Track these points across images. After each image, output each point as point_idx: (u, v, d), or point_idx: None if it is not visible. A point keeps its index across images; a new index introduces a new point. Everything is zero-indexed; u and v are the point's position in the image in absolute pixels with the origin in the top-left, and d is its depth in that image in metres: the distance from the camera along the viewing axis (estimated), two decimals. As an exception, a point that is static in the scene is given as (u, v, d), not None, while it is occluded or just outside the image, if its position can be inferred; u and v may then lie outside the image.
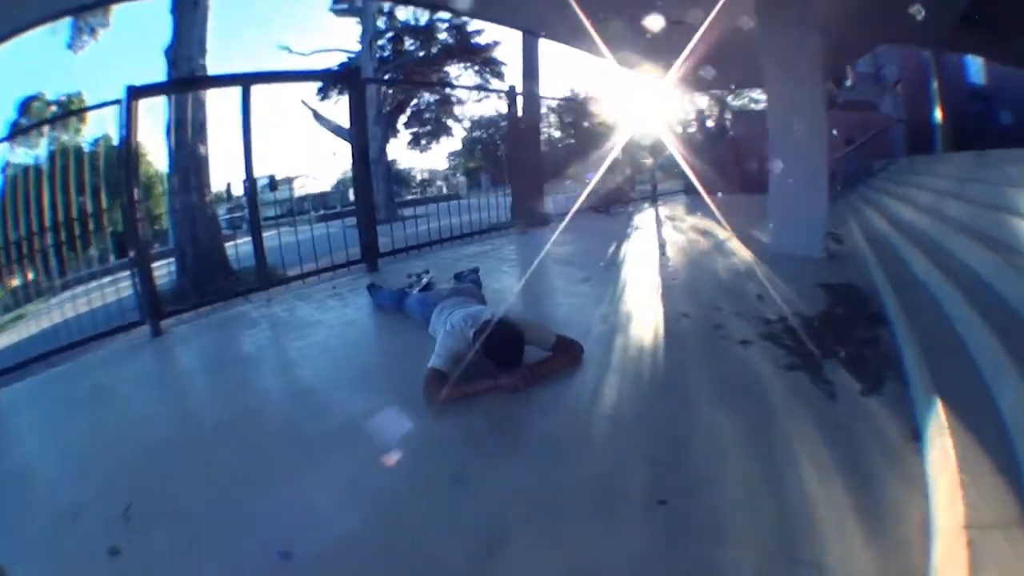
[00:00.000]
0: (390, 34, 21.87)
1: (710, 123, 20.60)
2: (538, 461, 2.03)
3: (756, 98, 26.60)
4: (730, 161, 14.64)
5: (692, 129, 15.72)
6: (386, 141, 20.77)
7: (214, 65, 9.52)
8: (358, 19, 20.35)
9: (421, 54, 21.78)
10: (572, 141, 20.73)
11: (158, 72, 9.29)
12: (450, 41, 21.88)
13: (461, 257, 6.36)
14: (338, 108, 21.10)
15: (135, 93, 4.49)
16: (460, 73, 22.30)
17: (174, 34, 9.06)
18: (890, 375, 2.35)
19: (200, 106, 8.91)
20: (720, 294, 3.96)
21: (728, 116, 22.77)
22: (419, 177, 21.98)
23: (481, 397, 2.51)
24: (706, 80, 13.24)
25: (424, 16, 21.52)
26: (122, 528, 1.86)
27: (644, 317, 3.61)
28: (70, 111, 17.90)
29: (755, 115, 21.92)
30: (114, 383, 3.46)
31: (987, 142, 7.95)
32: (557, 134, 22.28)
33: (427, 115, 24.00)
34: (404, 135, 24.16)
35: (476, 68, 22.01)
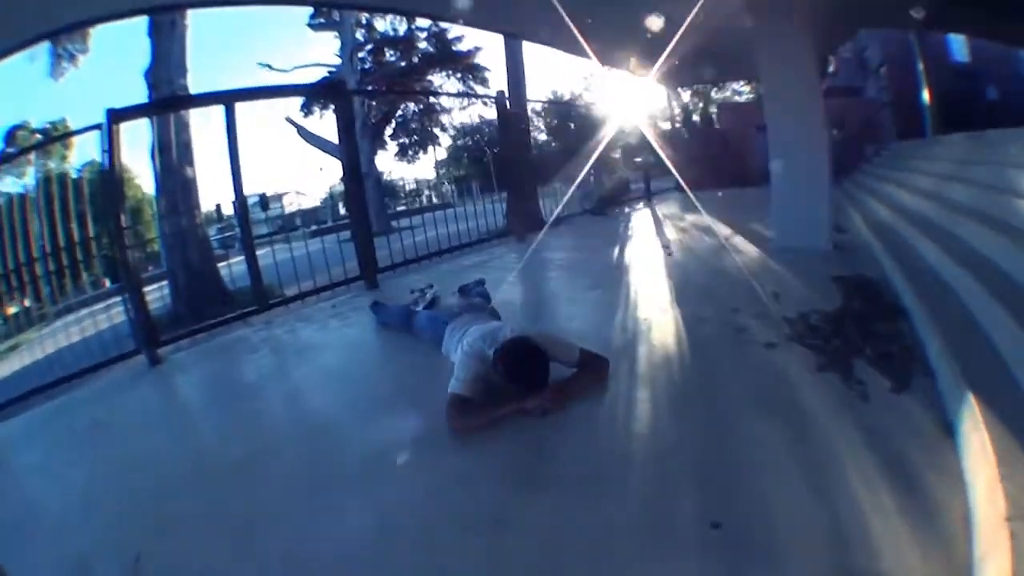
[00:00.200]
0: (370, 46, 21.81)
1: (696, 117, 20.60)
2: (579, 490, 1.89)
3: (739, 90, 26.79)
4: (720, 155, 14.61)
5: (679, 124, 15.60)
6: (374, 153, 20.66)
7: (196, 85, 9.35)
8: (336, 33, 20.26)
9: (403, 64, 21.70)
10: (561, 143, 20.67)
11: (141, 96, 9.11)
12: (431, 50, 21.83)
13: (461, 268, 6.24)
14: (323, 123, 21.00)
15: (116, 116, 4.34)
16: (443, 81, 22.29)
17: (153, 56, 8.89)
18: (916, 369, 2.30)
19: (184, 127, 8.75)
20: (736, 294, 3.85)
21: (713, 110, 22.85)
22: (408, 188, 21.86)
23: (507, 422, 2.35)
24: (691, 75, 13.25)
25: (403, 26, 21.46)
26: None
27: (663, 323, 3.48)
28: (53, 137, 17.69)
29: (740, 106, 22.04)
30: (114, 418, 3.31)
31: (977, 120, 7.98)
32: (545, 137, 22.22)
33: (413, 125, 23.88)
34: (391, 147, 24.05)
35: (459, 75, 21.95)
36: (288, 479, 2.24)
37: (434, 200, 19.32)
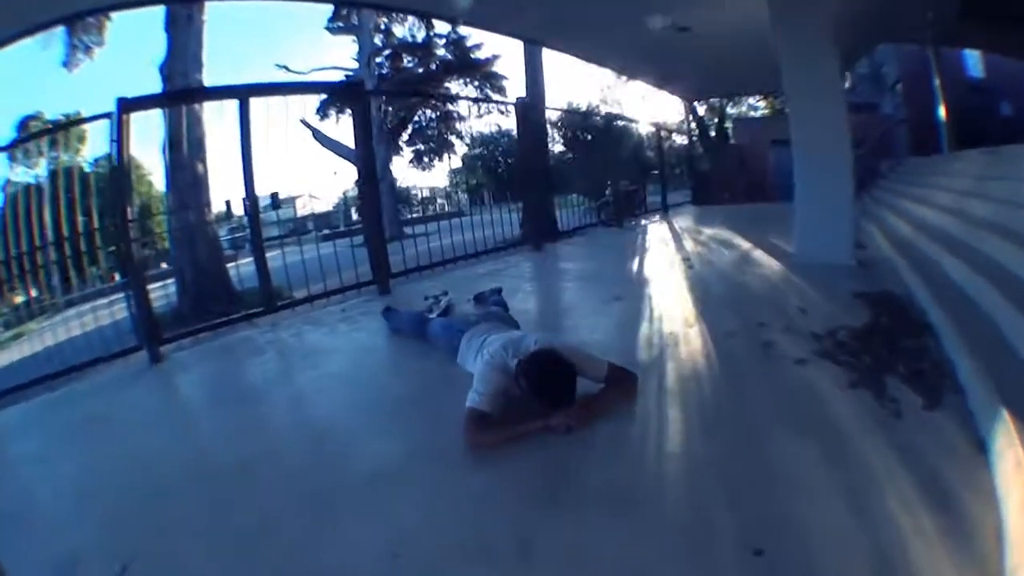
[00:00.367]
0: (387, 51, 21.77)
1: (711, 132, 20.44)
2: (610, 515, 1.71)
3: (755, 105, 26.66)
4: (735, 170, 14.47)
5: (695, 137, 15.44)
6: (389, 159, 20.58)
7: (210, 83, 9.29)
8: (354, 37, 20.26)
9: (420, 71, 21.65)
10: (577, 154, 20.56)
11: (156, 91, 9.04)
12: (449, 57, 21.77)
13: (475, 276, 6.04)
14: (338, 127, 20.96)
15: (126, 106, 4.21)
16: (460, 89, 22.19)
17: (169, 49, 8.86)
18: (947, 386, 2.24)
19: (197, 122, 8.68)
20: (761, 308, 3.72)
21: (729, 124, 22.70)
22: (421, 195, 21.80)
23: (529, 440, 2.15)
24: (708, 88, 13.12)
25: (421, 32, 21.45)
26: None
27: (690, 337, 3.31)
28: (62, 124, 17.70)
29: (755, 121, 21.91)
30: (110, 415, 3.17)
31: (991, 136, 7.85)
32: (562, 147, 22.08)
33: (429, 132, 23.77)
34: (406, 153, 23.95)
35: (476, 83, 21.86)
36: (286, 491, 2.06)
37: (446, 208, 19.23)
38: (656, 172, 12.67)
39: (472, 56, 21.59)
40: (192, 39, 8.95)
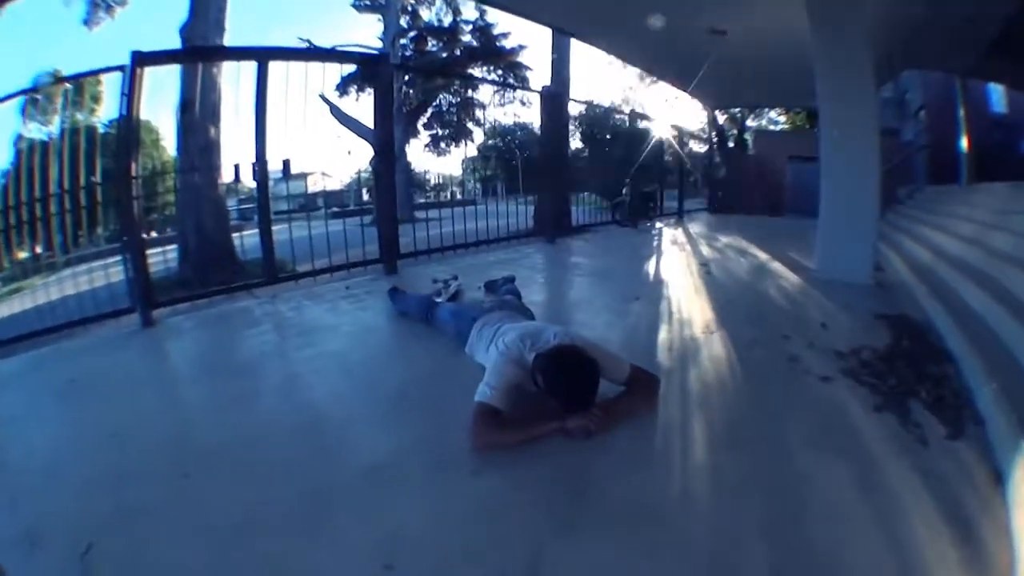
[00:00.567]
0: (413, 33, 21.50)
1: (730, 143, 20.20)
2: (630, 532, 1.57)
3: (775, 119, 26.32)
4: (751, 181, 14.30)
5: (714, 146, 15.20)
6: (406, 141, 20.34)
7: (231, 49, 9.08)
8: (380, 16, 20.00)
9: (444, 55, 21.38)
10: (596, 151, 20.32)
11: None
12: (474, 43, 21.47)
13: (486, 264, 5.87)
14: (357, 106, 20.69)
15: (140, 59, 4.06)
16: (483, 77, 21.89)
17: (191, 11, 8.65)
18: (967, 415, 2.19)
19: (212, 86, 8.46)
20: (782, 320, 3.61)
21: (748, 135, 22.44)
22: (433, 181, 21.56)
23: (543, 442, 1.97)
24: (732, 96, 12.87)
25: (448, 17, 21.19)
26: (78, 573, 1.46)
27: (712, 344, 3.16)
28: (73, 76, 17.56)
29: (775, 135, 21.63)
30: (93, 380, 3.00)
31: (1010, 171, 7.72)
32: (581, 144, 21.80)
33: (448, 117, 23.50)
34: (423, 137, 23.68)
35: (500, 72, 21.55)
36: (268, 483, 1.87)
37: (459, 196, 18.97)
38: (673, 176, 12.47)
39: (497, 44, 21.27)
40: (214, 4, 8.75)
